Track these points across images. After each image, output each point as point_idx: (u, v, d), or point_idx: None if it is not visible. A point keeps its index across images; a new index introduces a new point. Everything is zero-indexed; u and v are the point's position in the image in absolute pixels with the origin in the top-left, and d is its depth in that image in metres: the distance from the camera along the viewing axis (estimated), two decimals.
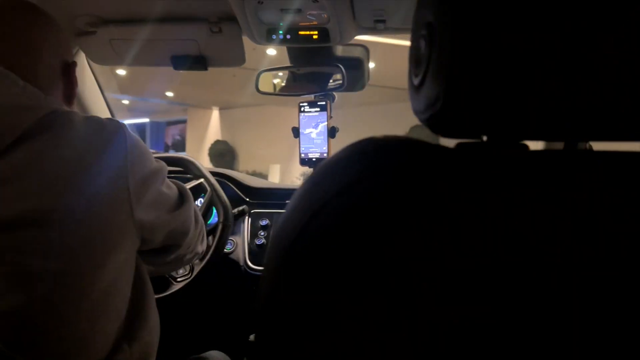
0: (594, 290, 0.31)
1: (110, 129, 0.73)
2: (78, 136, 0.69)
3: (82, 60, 1.44)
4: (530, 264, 0.32)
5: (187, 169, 1.37)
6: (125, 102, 9.73)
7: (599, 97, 0.33)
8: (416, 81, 0.39)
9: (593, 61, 0.32)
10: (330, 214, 0.35)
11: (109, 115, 1.62)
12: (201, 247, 1.05)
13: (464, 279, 0.32)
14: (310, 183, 0.40)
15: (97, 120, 0.73)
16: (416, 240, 0.33)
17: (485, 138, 0.39)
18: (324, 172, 0.40)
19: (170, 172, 0.97)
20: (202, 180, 1.34)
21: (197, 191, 1.30)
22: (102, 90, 1.59)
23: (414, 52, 0.40)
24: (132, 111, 10.87)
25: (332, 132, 1.41)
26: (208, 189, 1.35)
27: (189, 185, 1.20)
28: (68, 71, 0.80)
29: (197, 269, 1.31)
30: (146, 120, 11.76)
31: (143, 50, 1.31)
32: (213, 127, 11.36)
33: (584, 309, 0.31)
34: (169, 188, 0.87)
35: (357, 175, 0.36)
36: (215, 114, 11.36)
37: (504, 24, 0.33)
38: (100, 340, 0.71)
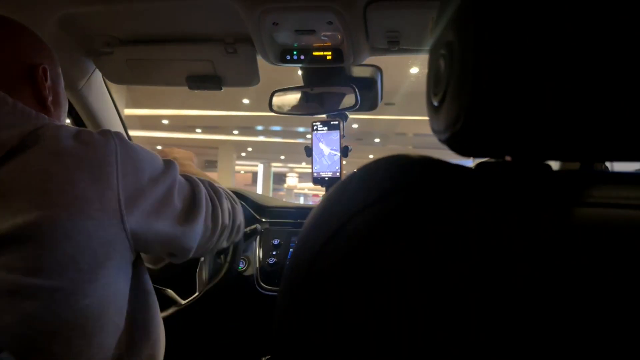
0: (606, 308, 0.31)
1: (99, 141, 0.72)
2: (64, 151, 0.68)
3: (98, 79, 1.47)
4: (549, 288, 0.31)
5: None
6: None
7: (632, 116, 0.33)
8: (435, 101, 0.39)
9: (622, 80, 0.32)
10: (348, 234, 0.35)
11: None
12: (227, 244, 1.03)
13: (484, 299, 0.32)
14: (329, 201, 0.40)
15: (86, 133, 0.72)
16: (435, 261, 0.32)
17: (507, 158, 0.38)
18: (343, 190, 0.40)
19: None
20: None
21: None
22: (119, 111, 1.61)
23: (433, 72, 0.40)
24: None
25: (344, 152, 1.42)
26: None
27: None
28: (33, 74, 0.79)
29: (208, 287, 1.31)
30: None
31: (159, 70, 1.33)
32: None
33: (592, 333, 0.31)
34: (179, 194, 0.82)
35: (374, 195, 0.36)
36: None
37: (526, 42, 0.33)
38: (98, 354, 0.70)
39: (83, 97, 1.42)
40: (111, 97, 1.56)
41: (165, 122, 11.54)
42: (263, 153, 17.80)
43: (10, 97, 0.70)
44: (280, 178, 22.92)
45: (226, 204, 0.96)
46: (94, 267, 0.68)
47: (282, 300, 0.39)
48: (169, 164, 0.82)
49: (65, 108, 0.88)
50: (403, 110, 8.15)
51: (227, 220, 0.95)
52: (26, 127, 0.68)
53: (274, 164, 20.59)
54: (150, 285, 0.85)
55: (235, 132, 13.43)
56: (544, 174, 0.37)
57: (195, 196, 0.86)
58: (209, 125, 12.60)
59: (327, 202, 0.40)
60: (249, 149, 16.78)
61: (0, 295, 0.61)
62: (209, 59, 1.26)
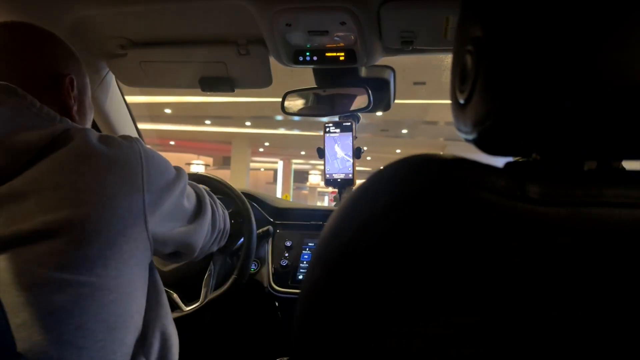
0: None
1: (125, 145, 0.76)
2: (93, 152, 0.71)
3: (112, 81, 1.47)
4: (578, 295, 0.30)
5: (217, 188, 1.38)
6: None
7: None
8: (462, 98, 0.38)
9: None
10: (376, 231, 0.34)
11: (135, 134, 1.65)
12: (216, 248, 1.11)
13: (513, 300, 0.31)
14: (356, 199, 0.39)
15: (112, 138, 0.76)
16: (467, 262, 0.31)
17: (534, 156, 0.37)
18: (370, 187, 0.39)
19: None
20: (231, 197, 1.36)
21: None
22: (131, 113, 1.61)
23: (459, 69, 0.39)
24: None
25: (357, 153, 1.41)
26: (239, 207, 1.36)
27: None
28: (58, 82, 0.82)
29: (211, 297, 1.30)
30: None
31: (172, 72, 1.33)
32: None
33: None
34: (188, 198, 0.90)
35: (405, 193, 0.35)
36: None
37: (557, 36, 0.32)
38: (119, 350, 0.72)
39: (96, 100, 1.43)
40: (124, 100, 1.57)
41: (167, 111, 10.16)
42: (282, 148, 16.15)
43: (37, 101, 0.74)
44: (302, 176, 21.38)
45: (221, 210, 1.07)
46: (119, 264, 0.71)
47: (304, 300, 0.38)
48: (179, 170, 0.88)
49: (90, 117, 0.92)
50: (435, 91, 7.19)
51: (221, 225, 1.06)
52: (54, 129, 0.71)
53: (294, 161, 18.99)
54: (161, 287, 0.88)
55: (248, 123, 11.87)
56: (581, 173, 0.36)
57: (201, 201, 0.95)
58: (219, 115, 11.07)
59: (354, 199, 0.40)
60: (266, 144, 15.13)
61: (30, 289, 0.63)
62: (222, 61, 1.26)
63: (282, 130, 12.40)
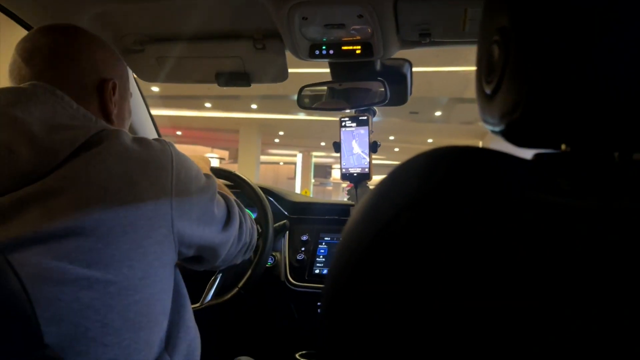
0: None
1: (157, 147, 0.78)
2: (125, 152, 0.73)
3: (130, 77, 1.48)
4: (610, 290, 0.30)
5: (234, 182, 1.39)
6: None
7: None
8: (488, 89, 0.38)
9: None
10: (402, 226, 0.34)
11: (154, 133, 1.66)
12: (240, 260, 1.09)
13: (543, 293, 0.30)
14: (380, 192, 0.39)
15: (145, 140, 0.78)
16: (494, 255, 0.31)
17: (564, 147, 0.37)
18: (395, 181, 0.39)
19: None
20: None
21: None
22: (149, 109, 1.62)
23: (486, 59, 0.38)
24: None
25: (373, 147, 1.40)
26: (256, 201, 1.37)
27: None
28: (103, 87, 0.84)
29: (239, 283, 1.31)
30: None
31: (189, 67, 1.34)
32: None
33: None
34: (217, 206, 0.91)
35: (430, 187, 0.34)
36: None
37: (587, 25, 0.31)
38: (144, 350, 0.73)
39: None
40: (142, 95, 1.58)
41: (155, 89, 8.13)
42: (299, 138, 14.04)
43: (75, 102, 0.76)
44: (324, 170, 20.00)
45: (249, 223, 1.07)
46: (144, 265, 0.72)
47: (329, 293, 0.38)
48: (209, 177, 0.90)
49: (128, 122, 0.95)
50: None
51: (247, 238, 1.05)
52: (89, 130, 0.73)
53: (314, 154, 17.05)
54: (184, 289, 0.89)
55: (254, 106, 9.85)
56: (612, 165, 0.35)
57: (230, 210, 0.96)
58: (220, 94, 9.01)
59: (378, 193, 0.39)
60: (281, 133, 13.01)
61: (60, 284, 0.64)
62: (238, 56, 1.26)
63: (300, 116, 10.60)
